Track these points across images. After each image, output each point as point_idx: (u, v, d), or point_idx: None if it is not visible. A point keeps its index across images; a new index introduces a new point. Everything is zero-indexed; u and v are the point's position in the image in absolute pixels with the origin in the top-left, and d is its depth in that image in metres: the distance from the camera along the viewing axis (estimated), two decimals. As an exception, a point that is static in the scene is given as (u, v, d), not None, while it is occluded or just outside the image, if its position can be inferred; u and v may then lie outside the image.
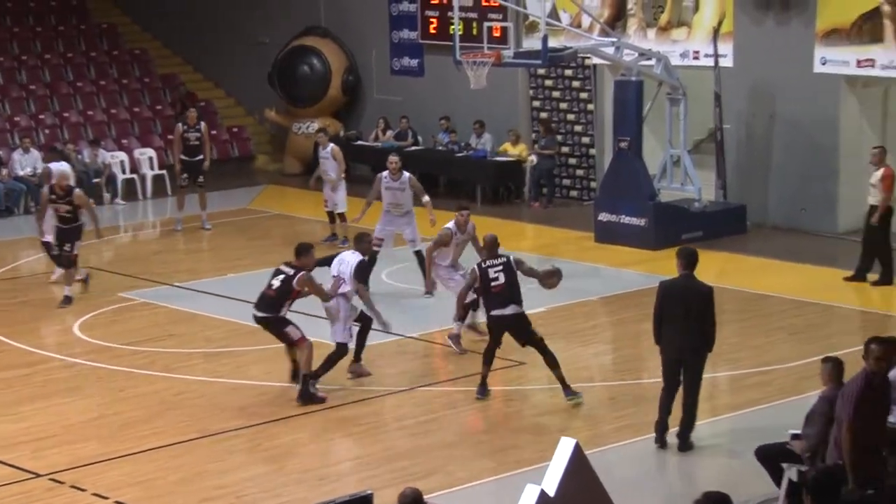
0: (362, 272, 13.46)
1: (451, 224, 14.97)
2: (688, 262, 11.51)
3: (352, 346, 13.50)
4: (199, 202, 20.82)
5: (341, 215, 19.22)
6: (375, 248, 16.41)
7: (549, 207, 22.34)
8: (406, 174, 16.71)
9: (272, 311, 13.08)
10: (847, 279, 16.94)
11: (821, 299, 16.33)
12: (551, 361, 12.72)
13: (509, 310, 12.69)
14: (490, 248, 13.09)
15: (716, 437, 11.85)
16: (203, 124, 21.05)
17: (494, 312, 12.79)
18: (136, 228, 22.39)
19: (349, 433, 12.28)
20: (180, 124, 20.97)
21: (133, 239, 21.72)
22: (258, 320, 13.17)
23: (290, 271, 13.15)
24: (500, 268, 12.79)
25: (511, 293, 12.72)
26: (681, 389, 11.54)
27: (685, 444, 11.53)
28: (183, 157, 20.71)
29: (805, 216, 19.91)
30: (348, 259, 13.43)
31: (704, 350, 11.49)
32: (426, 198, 16.75)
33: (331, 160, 19.24)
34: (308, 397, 12.95)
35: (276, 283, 13.11)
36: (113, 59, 27.64)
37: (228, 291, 17.06)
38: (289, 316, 13.13)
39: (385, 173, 16.76)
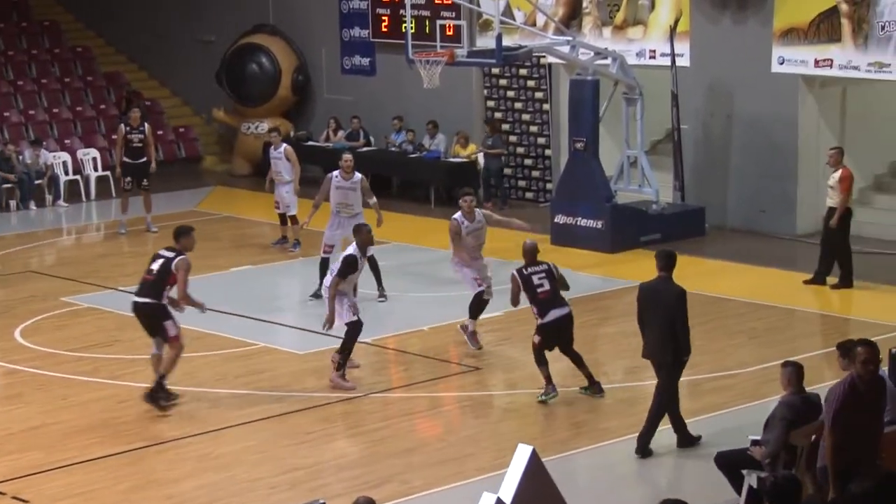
0: (346, 267, 13.30)
1: (457, 214, 14.71)
2: (665, 263, 11.61)
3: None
4: (143, 204, 20.68)
5: (293, 218, 19.15)
6: (325, 255, 16.37)
7: (503, 209, 22.37)
8: (358, 174, 16.66)
9: (153, 296, 12.90)
10: (806, 282, 17.07)
11: (780, 303, 16.45)
12: (579, 360, 13.04)
13: (566, 310, 12.92)
14: (531, 254, 13.14)
15: (675, 442, 11.88)
16: (147, 125, 20.87)
17: (554, 313, 12.83)
18: (79, 231, 22.21)
19: (301, 441, 12.23)
20: (123, 125, 20.79)
21: (76, 242, 21.55)
22: (137, 307, 12.99)
23: (170, 254, 13.03)
24: (544, 274, 12.98)
25: (559, 297, 12.97)
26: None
27: (644, 450, 11.58)
28: (126, 159, 20.52)
29: (764, 218, 20.06)
30: (346, 251, 13.50)
31: (679, 354, 11.56)
32: (373, 199, 16.70)
33: (283, 161, 19.14)
34: (156, 397, 12.78)
35: (156, 266, 12.98)
36: (55, 58, 27.41)
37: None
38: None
39: (336, 172, 16.69)
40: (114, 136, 25.67)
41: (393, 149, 23.74)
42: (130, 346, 14.94)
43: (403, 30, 20.55)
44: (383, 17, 24.08)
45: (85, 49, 27.96)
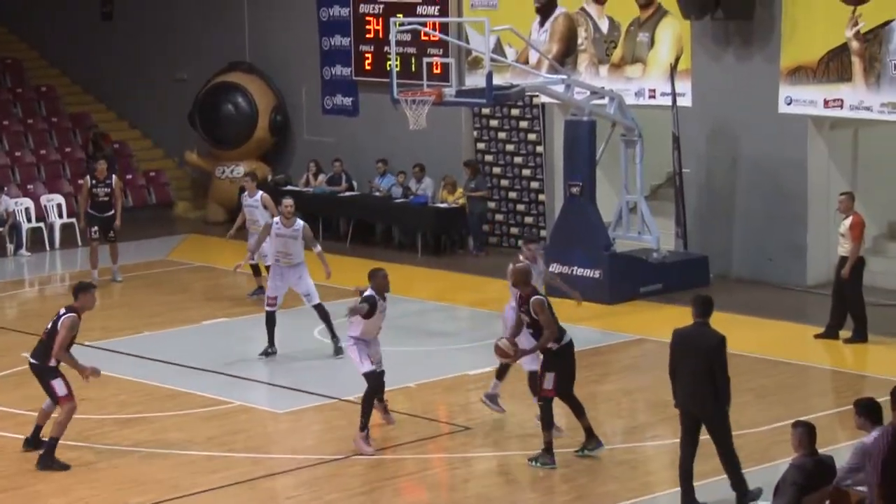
0: (371, 308, 13.32)
1: (523, 261, 14.03)
2: (702, 309, 11.69)
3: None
4: (109, 254, 20.69)
5: (269, 268, 19.09)
6: (270, 309, 16.33)
7: (479, 254, 22.38)
8: (300, 221, 16.57)
9: (40, 357, 13.14)
10: (818, 336, 17.07)
11: (791, 358, 16.43)
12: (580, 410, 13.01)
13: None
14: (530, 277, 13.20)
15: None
16: (114, 178, 20.84)
17: (568, 336, 12.96)
18: (42, 282, 22.16)
19: (279, 507, 12.14)
20: (88, 177, 20.73)
21: (40, 294, 21.50)
22: (30, 367, 13.25)
23: (62, 311, 13.20)
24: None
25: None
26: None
27: (747, 495, 11.56)
28: (92, 212, 20.51)
29: (772, 267, 20.08)
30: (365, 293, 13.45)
31: (720, 404, 11.59)
32: (318, 247, 16.65)
33: (260, 209, 19.09)
34: (49, 463, 12.89)
35: (49, 325, 13.23)
36: (17, 97, 27.45)
37: (144, 351, 16.90)
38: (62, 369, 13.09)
39: (277, 219, 16.65)
40: (80, 181, 25.77)
41: (377, 193, 23.77)
42: (96, 404, 14.87)
43: (388, 68, 20.64)
44: (366, 55, 24.19)
45: (49, 88, 28.02)
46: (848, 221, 16.77)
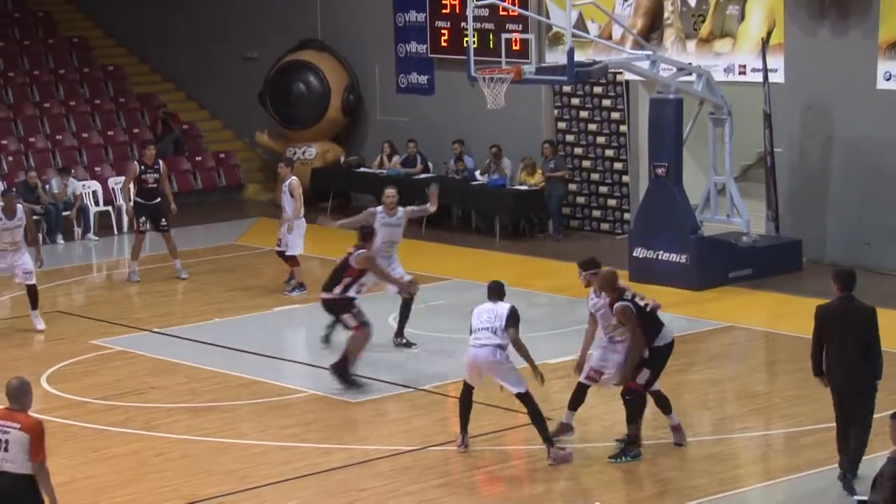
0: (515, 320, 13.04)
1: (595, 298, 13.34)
2: (845, 283, 11.87)
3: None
4: (167, 248, 20.35)
5: (293, 259, 19.14)
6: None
7: (559, 238, 22.38)
8: (400, 209, 16.60)
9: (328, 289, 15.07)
10: None
11: (890, 346, 16.21)
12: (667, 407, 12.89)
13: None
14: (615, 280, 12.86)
15: (771, 503, 11.78)
16: (162, 163, 20.54)
17: (666, 332, 12.77)
18: (110, 267, 22.44)
19: (352, 500, 12.24)
20: (136, 163, 20.56)
21: (107, 279, 21.77)
22: (323, 302, 15.30)
23: (351, 249, 15.10)
24: (636, 294, 12.78)
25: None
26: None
27: (848, 486, 11.59)
28: (139, 199, 20.24)
29: (868, 251, 19.88)
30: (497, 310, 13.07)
31: (871, 378, 11.74)
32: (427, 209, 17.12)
33: (287, 195, 19.14)
34: (342, 372, 14.84)
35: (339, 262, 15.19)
36: (84, 77, 27.79)
37: (215, 338, 17.07)
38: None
39: (380, 209, 16.64)
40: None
41: (453, 175, 23.80)
42: (166, 393, 15.06)
43: (465, 44, 20.64)
44: (443, 31, 24.21)
45: (116, 68, 28.33)
46: None
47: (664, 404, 12.98)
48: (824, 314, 11.91)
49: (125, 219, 24.07)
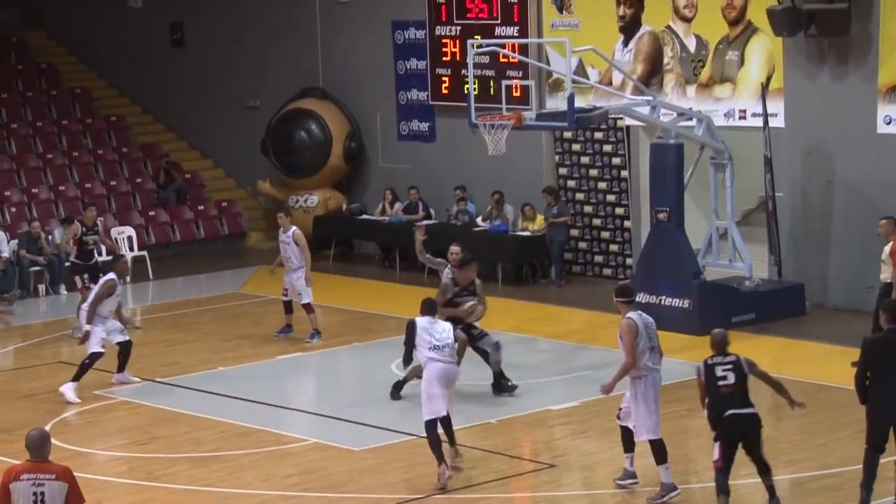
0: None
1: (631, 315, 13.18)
2: (895, 315, 11.97)
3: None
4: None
5: (307, 306, 19.12)
6: None
7: (562, 284, 22.36)
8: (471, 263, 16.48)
9: None
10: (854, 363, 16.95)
11: None
12: (764, 469, 12.48)
13: (748, 410, 12.37)
14: (719, 344, 12.65)
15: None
16: (101, 224, 20.70)
17: (731, 412, 12.35)
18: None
19: (357, 549, 12.17)
20: (78, 224, 20.44)
21: (110, 329, 21.70)
22: None
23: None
24: (730, 366, 12.43)
25: (743, 393, 12.39)
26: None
27: None
28: (77, 260, 20.20)
29: (871, 296, 19.78)
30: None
31: None
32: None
33: (292, 245, 19.19)
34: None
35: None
36: (87, 128, 27.87)
37: (218, 387, 17.03)
38: None
39: (448, 270, 16.39)
40: (151, 213, 26.06)
41: (454, 221, 23.80)
42: (168, 443, 15.00)
43: (466, 91, 20.69)
44: (443, 78, 24.29)
45: (119, 118, 28.43)
46: (888, 247, 16.85)
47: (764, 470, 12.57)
48: (872, 345, 12.02)
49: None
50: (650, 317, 13.06)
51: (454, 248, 16.45)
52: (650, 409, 12.83)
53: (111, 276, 17.06)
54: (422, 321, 13.69)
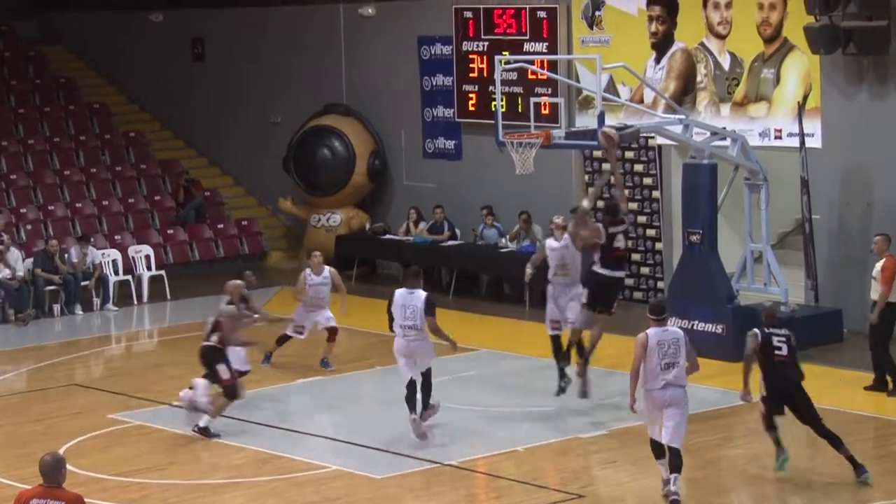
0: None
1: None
2: None
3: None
4: None
5: (334, 330, 18.86)
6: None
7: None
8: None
9: None
10: (867, 388, 17.14)
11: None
12: (835, 441, 13.76)
13: (796, 377, 13.91)
14: (774, 316, 14.52)
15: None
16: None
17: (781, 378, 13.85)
18: (130, 338, 22.41)
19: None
20: None
21: (126, 351, 21.72)
22: None
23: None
24: (784, 339, 14.10)
25: (795, 364, 14.01)
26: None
27: None
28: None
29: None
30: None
31: None
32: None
33: (329, 285, 18.81)
34: None
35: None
36: (105, 144, 27.92)
37: (237, 412, 16.96)
38: None
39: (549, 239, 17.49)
40: (169, 231, 26.07)
41: (480, 242, 23.73)
42: (185, 469, 14.94)
43: (493, 108, 20.66)
44: (470, 95, 24.25)
45: (138, 134, 28.47)
46: (880, 264, 16.97)
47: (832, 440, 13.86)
48: None
49: (145, 288, 24.08)
50: (681, 332, 13.69)
51: (557, 219, 17.66)
52: (650, 420, 13.45)
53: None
54: (399, 294, 15.32)
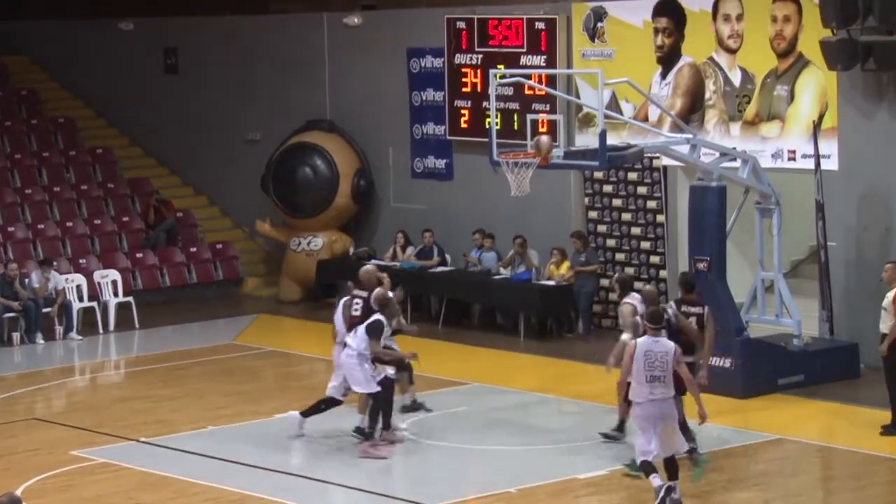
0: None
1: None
2: None
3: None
4: None
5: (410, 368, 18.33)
6: None
7: (588, 338, 22.28)
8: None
9: None
10: (884, 432, 16.97)
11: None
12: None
13: None
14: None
15: None
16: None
17: None
18: (94, 370, 22.36)
19: None
20: None
21: (91, 383, 21.68)
22: None
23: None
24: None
25: None
26: None
27: None
28: None
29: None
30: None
31: None
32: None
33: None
34: None
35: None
36: (70, 160, 27.94)
37: (209, 449, 16.94)
38: None
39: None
40: (138, 255, 26.06)
41: (473, 268, 23.76)
42: (153, 510, 14.94)
43: (487, 126, 20.70)
44: (463, 111, 24.31)
45: (105, 150, 28.49)
46: (892, 294, 16.96)
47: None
48: None
49: (112, 316, 24.07)
50: (672, 345, 14.06)
51: None
52: (639, 433, 14.04)
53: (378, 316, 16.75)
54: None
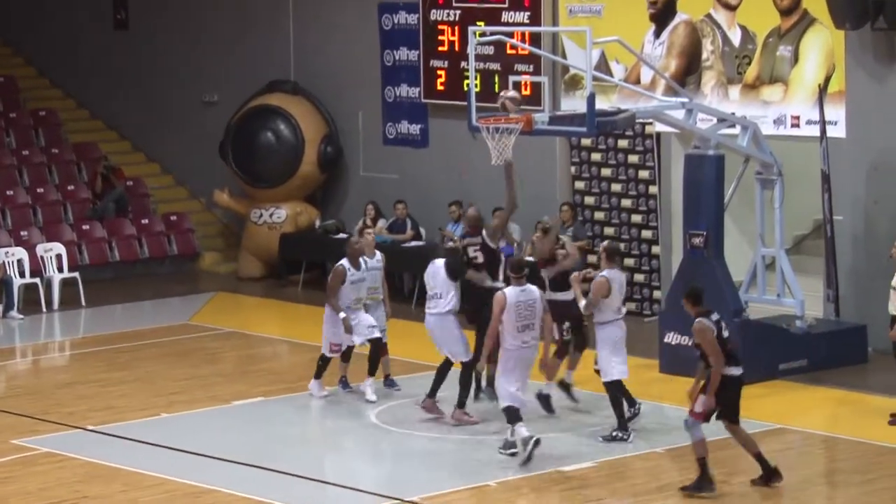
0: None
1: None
2: None
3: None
4: None
5: (383, 343, 18.48)
6: None
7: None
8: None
9: None
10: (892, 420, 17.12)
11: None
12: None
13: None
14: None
15: None
16: None
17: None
18: (37, 351, 22.36)
19: None
20: None
21: (33, 366, 21.68)
22: None
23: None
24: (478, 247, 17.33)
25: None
26: None
27: None
28: None
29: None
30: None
31: None
32: None
33: (382, 270, 18.68)
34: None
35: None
36: (10, 123, 27.86)
37: (162, 438, 16.96)
38: None
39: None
40: (85, 227, 26.01)
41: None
42: (100, 503, 14.94)
43: (466, 88, 20.72)
44: (439, 72, 24.31)
45: (49, 112, 28.43)
46: None
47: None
48: None
49: (56, 293, 24.04)
50: (538, 292, 15.62)
51: None
52: (503, 378, 15.60)
53: (341, 262, 17.94)
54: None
